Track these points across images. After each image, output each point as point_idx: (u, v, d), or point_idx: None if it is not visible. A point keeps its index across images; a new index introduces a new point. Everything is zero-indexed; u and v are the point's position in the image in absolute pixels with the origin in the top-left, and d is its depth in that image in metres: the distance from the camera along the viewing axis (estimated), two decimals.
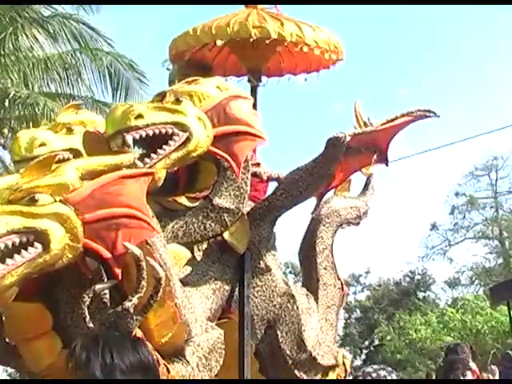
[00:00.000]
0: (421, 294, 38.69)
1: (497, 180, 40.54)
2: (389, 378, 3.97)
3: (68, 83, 15.43)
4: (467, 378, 5.99)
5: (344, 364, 4.81)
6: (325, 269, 4.80)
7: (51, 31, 14.58)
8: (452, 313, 27.85)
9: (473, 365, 6.18)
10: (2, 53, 14.09)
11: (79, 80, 15.53)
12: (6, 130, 15.61)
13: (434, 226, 40.75)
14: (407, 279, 39.58)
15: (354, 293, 39.77)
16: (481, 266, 39.76)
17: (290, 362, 4.40)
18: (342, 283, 4.93)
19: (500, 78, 51.31)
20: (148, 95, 15.36)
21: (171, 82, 4.82)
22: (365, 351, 36.33)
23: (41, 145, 3.83)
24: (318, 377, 4.62)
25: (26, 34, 14.25)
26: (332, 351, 4.70)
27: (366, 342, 34.20)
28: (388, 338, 29.83)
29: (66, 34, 14.80)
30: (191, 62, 4.94)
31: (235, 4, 5.06)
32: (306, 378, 4.49)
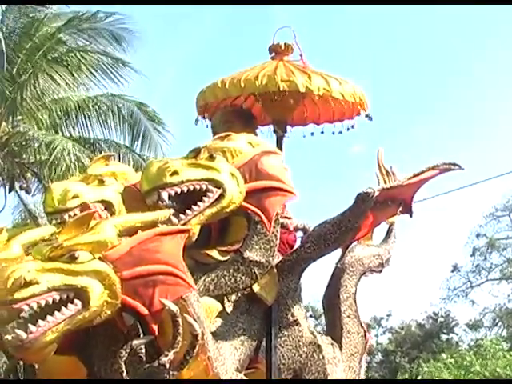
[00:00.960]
0: (444, 337, 38.36)
1: None
2: None
3: (90, 128, 15.63)
4: None
5: None
6: (348, 317, 4.85)
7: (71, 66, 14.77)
8: (470, 356, 27.61)
9: None
10: (24, 96, 14.24)
11: (103, 124, 15.69)
12: (29, 174, 15.76)
13: (455, 268, 40.55)
14: (430, 321, 39.26)
15: (376, 335, 39.41)
16: (503, 308, 39.52)
17: None
18: (364, 331, 4.98)
19: None
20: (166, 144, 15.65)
21: (213, 129, 4.95)
22: None
23: (74, 197, 3.88)
24: None
25: (47, 74, 14.40)
26: None
27: None
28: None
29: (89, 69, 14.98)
30: (235, 109, 5.06)
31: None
32: None
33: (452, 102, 48.55)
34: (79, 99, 15.44)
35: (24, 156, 15.04)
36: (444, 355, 28.34)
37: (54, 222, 3.90)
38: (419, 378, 28.07)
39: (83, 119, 15.41)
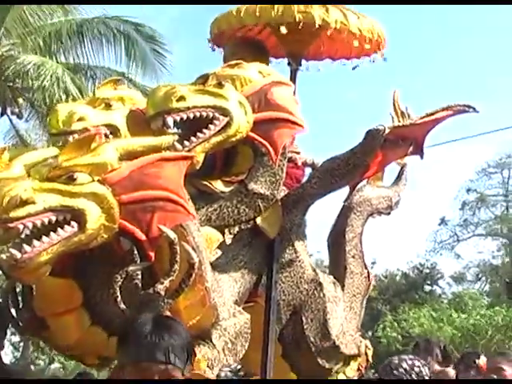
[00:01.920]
0: (427, 288, 38.58)
1: (509, 178, 40.29)
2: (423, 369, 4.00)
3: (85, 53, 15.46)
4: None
5: (366, 354, 4.82)
6: (353, 257, 4.79)
7: None
8: (450, 309, 27.80)
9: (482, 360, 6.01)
10: (16, 26, 14.07)
11: (98, 50, 15.50)
12: (21, 100, 15.63)
13: (443, 221, 40.67)
14: (415, 272, 39.44)
15: None
16: (487, 263, 39.68)
17: (313, 349, 4.40)
18: (368, 272, 4.93)
19: None
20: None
21: (224, 60, 4.75)
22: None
23: (79, 119, 3.77)
24: (340, 365, 4.64)
25: None
26: (355, 340, 4.71)
27: (370, 333, 34.19)
28: (389, 329, 29.75)
29: None
30: (246, 41, 4.90)
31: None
32: (327, 365, 4.50)
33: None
34: (74, 22, 15.26)
35: (17, 81, 14.92)
36: (425, 309, 28.48)
37: (57, 144, 3.83)
38: (399, 322, 28.28)
39: (77, 43, 15.26)
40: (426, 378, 3.98)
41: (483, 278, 39.80)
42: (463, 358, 6.19)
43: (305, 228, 4.59)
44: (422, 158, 4.81)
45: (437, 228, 40.65)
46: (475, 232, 40.63)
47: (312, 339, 4.40)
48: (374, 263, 41.34)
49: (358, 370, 4.79)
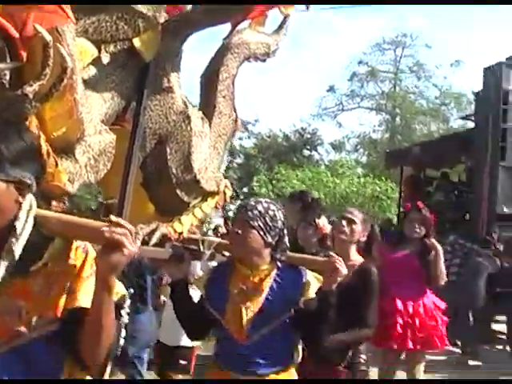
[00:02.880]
0: (306, 152, 39.44)
1: (401, 57, 41.17)
2: (277, 213, 4.12)
3: None
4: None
5: (225, 193, 4.92)
6: (223, 97, 4.79)
7: None
8: (326, 174, 28.68)
9: (322, 221, 6.27)
10: None
11: None
12: None
13: (331, 88, 41.37)
14: (297, 135, 40.15)
15: (240, 139, 40.13)
16: (367, 136, 40.86)
17: (174, 181, 4.44)
18: (236, 115, 4.95)
19: None
20: None
21: None
22: (241, 197, 37.21)
23: None
24: (198, 200, 4.72)
25: None
26: (216, 178, 4.78)
27: (245, 189, 34.90)
28: (263, 189, 30.46)
29: None
30: None
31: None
32: (186, 198, 4.56)
33: None
34: None
35: None
36: (300, 171, 29.27)
37: None
38: (274, 182, 29.01)
39: None
40: (280, 222, 4.11)
41: (361, 150, 41.09)
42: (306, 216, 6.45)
43: (180, 60, 4.52)
44: (307, 8, 4.81)
45: (324, 94, 41.28)
46: (360, 104, 41.68)
47: (174, 170, 4.43)
48: (256, 121, 41.92)
49: (215, 207, 4.89)
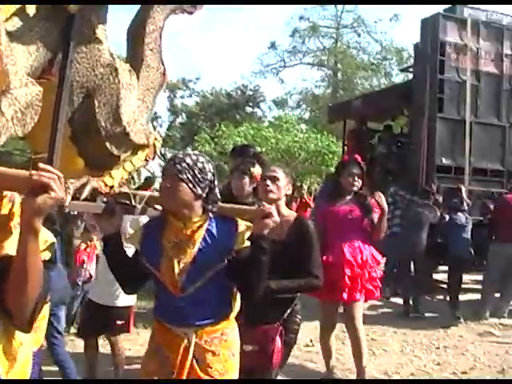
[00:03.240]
0: (249, 110, 39.31)
1: (342, 12, 41.02)
2: (207, 165, 4.12)
3: None
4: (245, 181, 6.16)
5: (154, 146, 4.89)
6: (151, 50, 4.73)
7: None
8: (269, 131, 28.68)
9: (257, 170, 6.29)
10: None
11: None
12: None
13: (272, 45, 41.16)
14: (239, 92, 39.95)
15: (182, 97, 39.80)
16: (310, 92, 40.83)
17: (103, 134, 4.39)
18: (164, 69, 4.90)
19: None
20: None
21: None
22: None
23: None
24: (128, 153, 4.68)
25: None
26: (145, 131, 4.74)
27: (189, 148, 34.74)
28: (206, 147, 30.37)
29: None
30: None
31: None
32: (116, 151, 4.51)
33: None
34: None
35: None
36: (243, 127, 29.27)
37: None
38: (216, 140, 28.98)
39: None
40: (210, 174, 4.11)
41: (304, 106, 41.06)
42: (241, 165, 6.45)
43: (106, 13, 4.45)
44: None
45: (265, 51, 41.05)
46: (302, 60, 41.54)
47: (103, 124, 4.37)
48: (198, 79, 41.57)
49: (146, 160, 4.87)
